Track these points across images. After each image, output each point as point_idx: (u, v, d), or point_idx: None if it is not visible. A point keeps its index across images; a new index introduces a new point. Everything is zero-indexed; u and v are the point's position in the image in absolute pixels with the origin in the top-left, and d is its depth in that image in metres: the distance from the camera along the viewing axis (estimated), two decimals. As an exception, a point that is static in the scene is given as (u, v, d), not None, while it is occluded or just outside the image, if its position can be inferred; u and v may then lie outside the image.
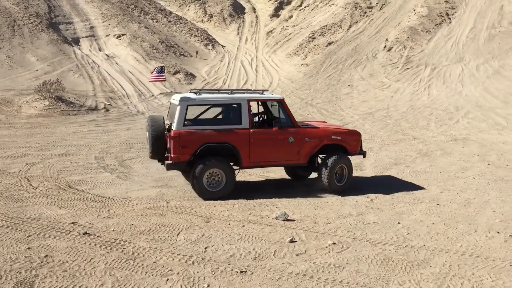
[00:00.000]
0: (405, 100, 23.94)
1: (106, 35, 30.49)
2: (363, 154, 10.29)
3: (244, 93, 9.59)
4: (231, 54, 35.61)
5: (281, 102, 9.47)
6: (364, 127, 18.03)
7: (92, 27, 31.26)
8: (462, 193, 9.61)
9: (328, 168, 9.38)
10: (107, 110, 20.94)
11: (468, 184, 10.34)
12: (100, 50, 28.88)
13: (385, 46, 33.60)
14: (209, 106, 9.64)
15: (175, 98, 9.27)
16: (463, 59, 29.45)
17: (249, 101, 9.24)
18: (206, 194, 8.97)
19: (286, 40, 39.91)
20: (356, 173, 11.39)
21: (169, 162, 8.93)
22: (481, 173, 11.31)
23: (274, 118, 9.47)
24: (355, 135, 10.09)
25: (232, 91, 9.47)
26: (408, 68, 29.60)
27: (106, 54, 28.12)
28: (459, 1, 40.38)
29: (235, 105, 9.25)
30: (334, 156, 9.47)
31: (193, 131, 8.90)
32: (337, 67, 31.83)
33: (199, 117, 9.80)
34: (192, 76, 28.11)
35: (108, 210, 8.19)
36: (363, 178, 11.03)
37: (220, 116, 9.90)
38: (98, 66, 26.29)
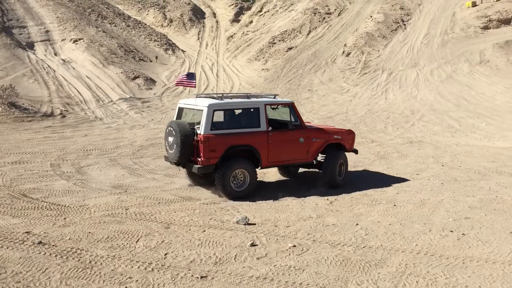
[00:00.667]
0: (363, 104, 24.45)
1: (62, 40, 29.74)
2: (355, 151, 11.41)
3: (259, 97, 10.25)
4: (192, 59, 35.44)
5: (291, 106, 10.27)
6: (323, 131, 18.27)
7: (47, 31, 30.42)
8: (417, 193, 9.88)
9: (333, 164, 10.27)
10: (64, 116, 20.40)
11: (423, 185, 10.65)
12: (56, 54, 28.13)
13: (343, 51, 34.25)
14: (231, 110, 9.97)
15: (199, 103, 9.56)
16: (418, 64, 30.37)
17: (265, 105, 9.79)
18: (232, 193, 9.37)
19: (247, 45, 40.08)
20: (315, 176, 11.57)
21: (199, 165, 9.16)
22: (436, 174, 11.67)
23: (287, 121, 10.24)
24: (351, 134, 11.21)
25: (248, 96, 10.23)
26: (366, 73, 30.27)
27: (62, 59, 27.41)
28: (413, 8, 41.67)
29: (253, 109, 9.77)
30: (338, 154, 10.45)
31: (220, 135, 9.28)
32: (297, 72, 32.20)
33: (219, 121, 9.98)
34: (152, 81, 27.79)
35: (64, 219, 7.98)
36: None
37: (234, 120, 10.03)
38: (54, 71, 25.59)
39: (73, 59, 27.62)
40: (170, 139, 9.46)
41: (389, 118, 21.12)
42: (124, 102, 23.39)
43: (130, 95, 24.54)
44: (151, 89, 26.57)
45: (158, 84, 27.77)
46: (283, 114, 10.76)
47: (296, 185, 10.76)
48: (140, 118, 21.36)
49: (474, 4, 39.35)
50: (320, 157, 10.66)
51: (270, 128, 9.82)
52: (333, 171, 10.28)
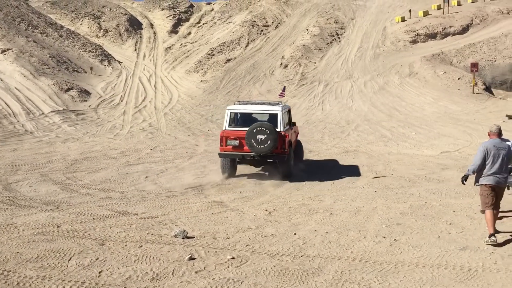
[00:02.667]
0: (301, 114, 24.96)
1: (-11, 49, 28.24)
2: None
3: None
4: (129, 70, 34.77)
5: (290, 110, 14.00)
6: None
7: (-28, 41, 28.80)
8: (352, 202, 10.17)
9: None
10: (-9, 130, 19.33)
11: (358, 193, 10.99)
12: (-19, 65, 26.66)
13: (281, 63, 34.87)
14: (289, 112, 13.87)
15: (269, 108, 12.76)
16: (352, 76, 31.47)
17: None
18: (292, 173, 12.74)
19: (185, 57, 39.87)
20: (254, 186, 11.63)
21: (284, 154, 12.20)
22: (370, 183, 12.08)
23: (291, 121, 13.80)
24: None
25: (269, 103, 13.61)
26: (303, 85, 30.98)
27: (-11, 70, 26.02)
28: (347, 22, 43.21)
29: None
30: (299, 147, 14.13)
31: (288, 132, 12.59)
32: (236, 84, 32.39)
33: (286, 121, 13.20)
34: (87, 92, 26.97)
35: (-10, 239, 7.51)
36: (262, 190, 11.27)
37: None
38: (-20, 82, 24.24)
39: (1, 70, 26.29)
40: (261, 136, 11.83)
41: (326, 128, 21.70)
42: (56, 114, 22.52)
43: (63, 108, 23.67)
44: (85, 101, 25.78)
45: (93, 96, 27.00)
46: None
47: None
48: (74, 131, 20.63)
49: (403, 19, 41.41)
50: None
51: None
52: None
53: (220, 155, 12.52)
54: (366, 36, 39.68)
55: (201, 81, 33.82)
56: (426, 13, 41.75)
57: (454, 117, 23.04)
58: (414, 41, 37.91)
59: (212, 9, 52.36)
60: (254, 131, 11.86)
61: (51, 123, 21.41)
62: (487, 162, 7.46)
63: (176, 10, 51.27)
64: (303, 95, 28.96)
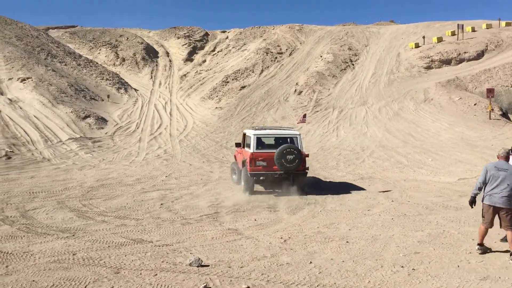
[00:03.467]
0: (316, 141, 24.93)
1: (9, 79, 28.96)
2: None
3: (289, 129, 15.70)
4: (145, 97, 35.26)
5: None
6: (277, 169, 18.42)
7: (-7, 70, 29.59)
8: (369, 229, 10.04)
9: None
10: (9, 158, 19.61)
11: (374, 220, 10.85)
12: (2, 94, 27.29)
13: (295, 90, 35.09)
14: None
15: (289, 132, 14.67)
16: (367, 102, 31.46)
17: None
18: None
19: (200, 84, 40.37)
20: (269, 214, 11.57)
21: (305, 171, 14.07)
22: (386, 210, 11.93)
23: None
24: None
25: (283, 128, 16.26)
26: (318, 111, 31.04)
27: (9, 99, 26.61)
28: (361, 49, 43.48)
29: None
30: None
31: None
32: (250, 110, 32.59)
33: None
34: (104, 120, 27.35)
35: (6, 266, 7.55)
36: (277, 218, 11.20)
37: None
38: (0, 111, 24.76)
39: (21, 98, 26.87)
40: (290, 156, 13.48)
41: (341, 155, 21.60)
42: (73, 142, 22.82)
43: (80, 135, 24.01)
44: (102, 128, 26.12)
45: (110, 123, 27.36)
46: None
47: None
48: (90, 158, 20.86)
49: (417, 45, 41.56)
50: None
51: None
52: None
53: (251, 175, 13.77)
54: (380, 63, 39.83)
55: (216, 108, 34.12)
56: (440, 39, 41.88)
57: (471, 143, 22.80)
58: (428, 67, 37.93)
59: (227, 37, 53.21)
60: (284, 152, 13.54)
61: (69, 150, 21.69)
62: (486, 182, 8.03)
63: (191, 38, 52.23)
64: (317, 122, 28.99)
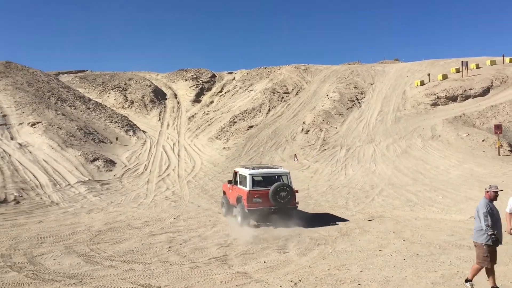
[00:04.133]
0: (324, 180, 24.80)
1: (20, 123, 29.40)
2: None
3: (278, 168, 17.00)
4: (153, 139, 35.53)
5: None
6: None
7: (4, 116, 30.10)
8: (381, 271, 9.83)
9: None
10: (18, 202, 19.64)
11: (386, 261, 10.63)
12: (12, 138, 27.64)
13: (302, 129, 35.24)
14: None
15: (280, 171, 15.96)
16: (374, 140, 31.45)
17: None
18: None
19: (208, 125, 40.70)
20: (278, 255, 11.39)
21: (296, 205, 15.47)
22: (398, 250, 11.71)
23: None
24: None
25: (272, 167, 17.31)
26: (325, 149, 31.03)
27: (19, 143, 26.92)
28: (366, 87, 43.88)
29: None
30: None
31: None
32: (258, 150, 32.67)
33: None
34: (112, 162, 27.49)
35: (12, 315, 7.44)
36: (286, 260, 11.01)
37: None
38: (10, 155, 25.00)
39: (30, 142, 27.17)
40: (283, 193, 14.78)
41: (350, 194, 21.41)
42: (82, 185, 22.88)
43: (89, 178, 24.08)
44: (111, 170, 26.21)
45: (118, 165, 27.48)
46: None
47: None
48: (98, 201, 20.84)
49: (422, 83, 41.89)
50: None
51: None
52: None
53: (249, 211, 14.91)
54: (386, 100, 40.08)
55: (224, 148, 34.25)
56: (445, 77, 42.20)
57: (480, 179, 22.54)
58: (434, 104, 38.08)
59: (234, 78, 54.02)
60: (278, 189, 14.91)
61: (77, 194, 21.70)
62: None
63: (199, 80, 53.07)
64: (325, 160, 28.93)
